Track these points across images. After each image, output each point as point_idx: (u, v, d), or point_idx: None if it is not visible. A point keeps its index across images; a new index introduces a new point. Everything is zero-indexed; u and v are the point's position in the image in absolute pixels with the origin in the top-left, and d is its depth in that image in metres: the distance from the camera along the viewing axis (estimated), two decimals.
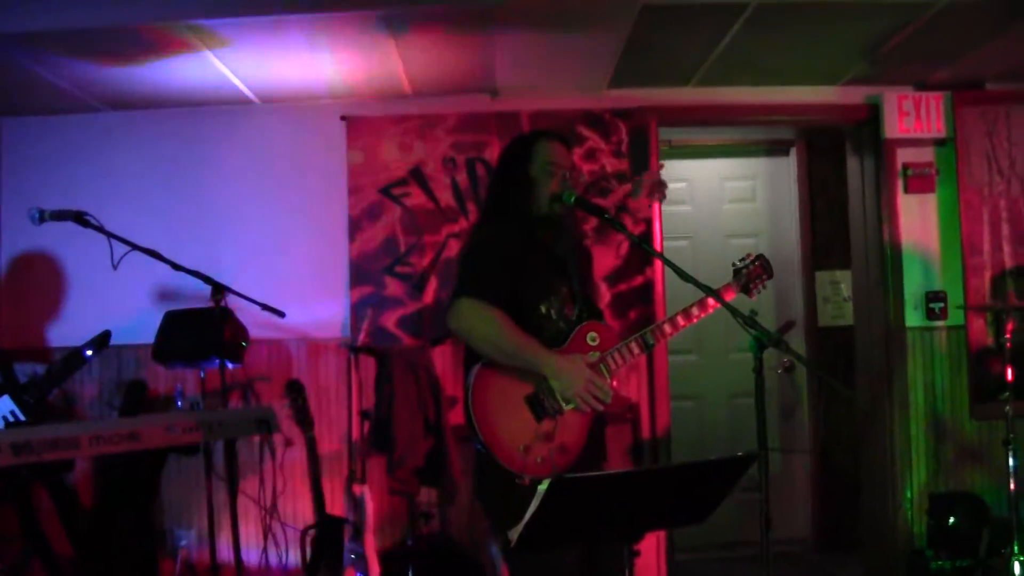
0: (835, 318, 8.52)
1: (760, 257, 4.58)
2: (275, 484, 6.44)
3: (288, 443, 6.49)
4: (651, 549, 6.34)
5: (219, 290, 5.54)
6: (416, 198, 6.87)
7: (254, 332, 6.37)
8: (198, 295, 5.91)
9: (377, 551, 5.90)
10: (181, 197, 6.90)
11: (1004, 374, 6.08)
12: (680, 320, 4.29)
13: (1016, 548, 5.97)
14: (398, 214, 6.86)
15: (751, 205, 8.88)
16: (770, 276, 4.60)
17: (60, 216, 5.01)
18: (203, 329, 5.93)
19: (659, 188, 4.82)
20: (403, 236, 6.85)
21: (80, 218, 5.01)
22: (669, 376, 7.10)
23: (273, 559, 6.54)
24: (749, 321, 3.91)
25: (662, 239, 7.07)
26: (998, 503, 6.70)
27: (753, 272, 4.54)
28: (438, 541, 6.61)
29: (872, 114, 7.20)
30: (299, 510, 6.61)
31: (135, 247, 5.18)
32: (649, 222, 6.92)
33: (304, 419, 5.89)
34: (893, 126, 7.08)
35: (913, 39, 6.16)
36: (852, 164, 7.63)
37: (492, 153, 6.76)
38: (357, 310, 6.77)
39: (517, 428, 4.01)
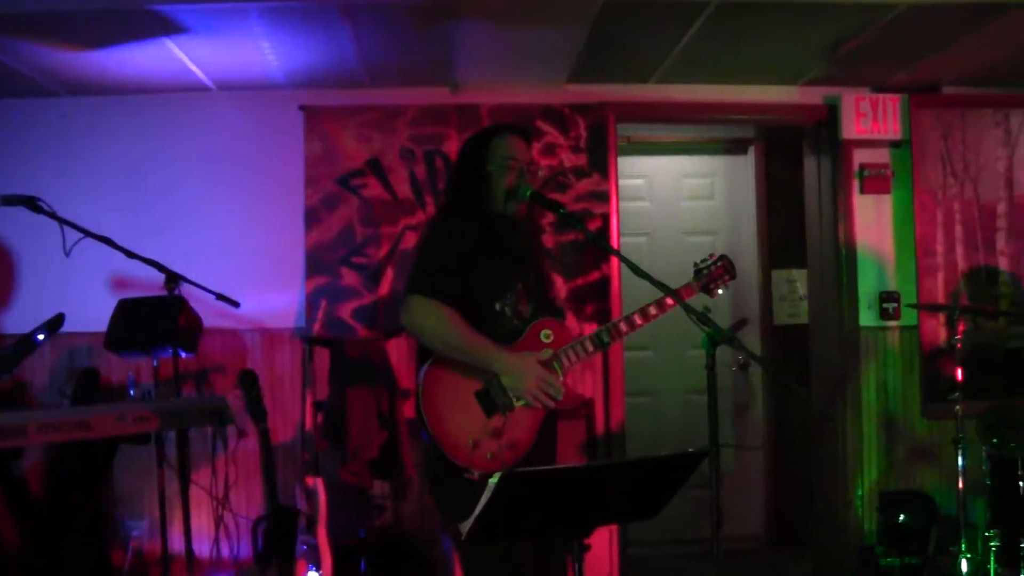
0: (791, 316, 8.56)
1: (723, 258, 4.55)
2: (227, 475, 6.40)
3: (241, 434, 6.46)
4: (604, 543, 6.35)
5: (173, 278, 5.52)
6: (374, 189, 6.85)
7: (209, 321, 6.33)
8: (152, 283, 5.88)
9: (330, 543, 5.88)
10: (137, 185, 6.85)
11: (955, 374, 6.12)
12: (637, 319, 4.28)
13: (964, 546, 6.01)
14: (355, 205, 6.84)
15: (709, 203, 8.91)
16: (732, 277, 4.57)
17: (11, 201, 4.97)
18: (157, 318, 5.89)
19: None
20: (360, 227, 6.83)
21: (32, 203, 4.97)
22: (625, 372, 7.12)
23: (225, 550, 6.51)
24: (702, 318, 3.91)
25: (619, 235, 7.08)
26: (947, 501, 6.77)
27: (715, 272, 4.51)
28: (391, 533, 6.61)
29: (830, 115, 7.25)
30: (252, 501, 6.59)
31: (88, 234, 5.15)
32: (606, 218, 6.93)
33: (257, 410, 5.85)
34: (850, 127, 7.12)
35: (872, 42, 6.20)
36: (809, 164, 7.67)
37: (451, 146, 6.75)
38: (312, 300, 6.75)
39: (467, 423, 4.01)
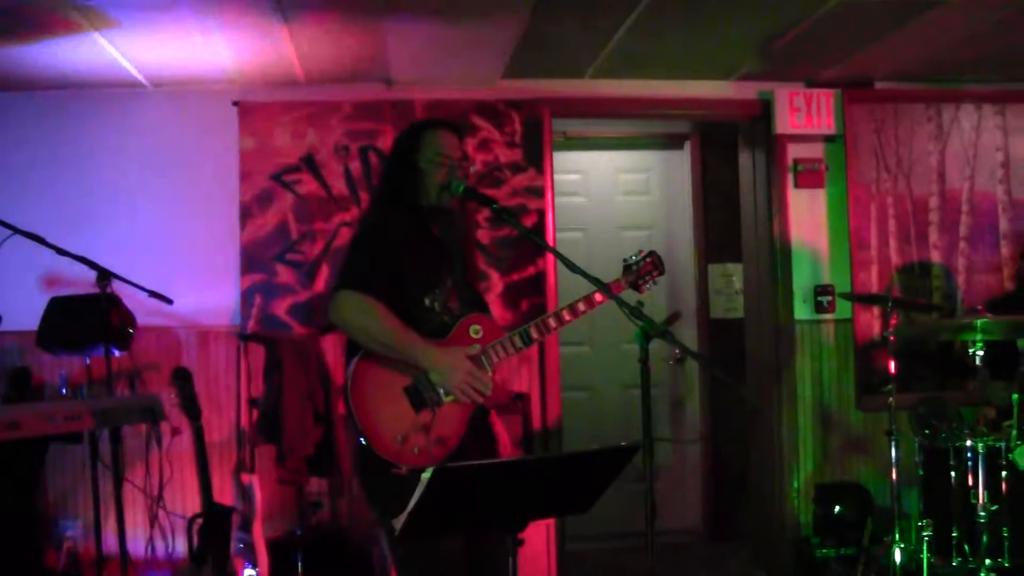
0: (727, 310, 8.61)
1: (652, 254, 4.55)
2: (162, 473, 6.34)
3: (175, 432, 6.40)
4: (541, 538, 6.35)
5: (105, 276, 5.47)
6: (308, 185, 6.82)
7: (142, 319, 6.28)
8: (85, 281, 5.82)
9: (266, 541, 5.86)
10: (69, 181, 6.77)
11: (888, 367, 6.18)
12: (565, 315, 4.28)
13: (897, 536, 6.07)
14: (290, 201, 6.80)
15: (645, 198, 8.95)
16: (661, 273, 4.57)
17: None
18: (89, 316, 5.82)
19: None
20: (295, 224, 6.79)
21: None
22: (561, 367, 7.14)
23: (160, 549, 6.46)
24: (635, 312, 3.93)
25: (555, 230, 7.08)
26: (882, 492, 6.83)
27: (644, 269, 4.52)
28: (328, 530, 6.59)
29: (764, 110, 7.30)
30: (187, 499, 6.53)
31: (17, 231, 5.09)
32: (542, 213, 6.94)
33: (191, 408, 5.79)
34: (784, 122, 7.17)
35: (805, 37, 6.25)
36: (744, 159, 7.72)
37: (386, 142, 6.72)
38: (247, 297, 6.71)
39: (395, 418, 4.00)
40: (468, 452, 4.06)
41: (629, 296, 4.11)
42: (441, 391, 4.06)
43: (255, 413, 6.27)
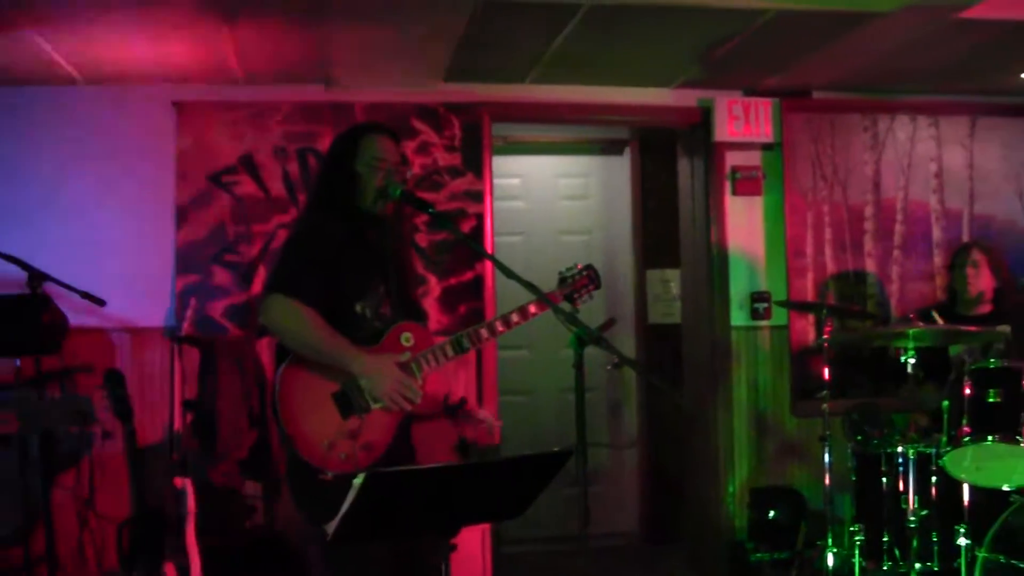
0: (665, 316, 8.64)
1: (589, 268, 4.53)
2: (93, 477, 6.29)
3: (107, 435, 6.33)
4: (476, 541, 6.36)
5: (37, 276, 5.41)
6: (246, 187, 6.77)
7: (75, 319, 6.21)
8: (15, 281, 5.75)
9: (199, 545, 5.80)
10: (1, 180, 6.68)
11: (822, 373, 6.24)
12: (498, 326, 4.27)
13: (830, 540, 6.13)
14: (227, 202, 6.75)
15: (585, 202, 8.97)
16: (597, 287, 4.55)
17: None
18: (19, 316, 5.76)
19: None
20: (232, 225, 6.74)
21: None
22: (499, 371, 7.14)
23: (90, 554, 6.39)
24: (570, 318, 3.94)
25: (493, 235, 7.09)
26: (816, 497, 6.88)
27: (579, 283, 4.50)
28: (262, 534, 6.54)
29: (704, 117, 7.33)
30: (118, 503, 6.46)
31: None
32: (481, 217, 6.94)
33: (123, 410, 5.73)
34: (723, 130, 7.21)
35: (744, 46, 6.29)
36: (683, 165, 7.77)
37: (325, 144, 6.59)
38: (183, 299, 6.64)
39: (322, 424, 3.99)
40: (395, 459, 4.06)
41: (562, 303, 4.12)
42: (370, 397, 4.05)
43: (189, 416, 6.21)
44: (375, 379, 4.03)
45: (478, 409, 4.50)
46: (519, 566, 7.77)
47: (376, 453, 4.05)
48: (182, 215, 6.72)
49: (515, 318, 4.28)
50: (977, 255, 6.49)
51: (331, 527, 3.14)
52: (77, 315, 6.21)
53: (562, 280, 4.49)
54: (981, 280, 6.46)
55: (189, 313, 6.44)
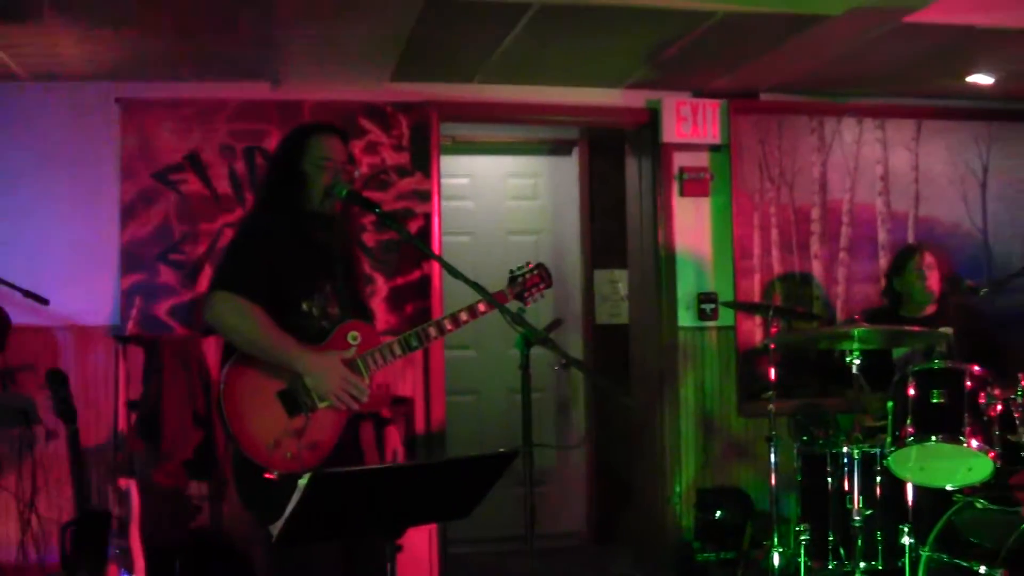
0: (612, 316, 8.66)
1: (539, 266, 4.52)
2: (35, 478, 6.22)
3: (50, 435, 6.27)
4: (423, 542, 6.34)
5: None
6: (192, 185, 6.72)
7: (17, 318, 6.15)
8: None
9: (143, 546, 5.75)
10: None
11: (768, 374, 6.27)
12: (447, 325, 4.26)
13: (776, 540, 6.16)
14: (173, 201, 6.69)
15: (533, 203, 8.97)
16: (548, 286, 4.54)
17: None
18: None
19: None
20: (178, 223, 6.69)
21: None
22: (447, 371, 7.12)
23: (32, 555, 6.32)
24: (516, 319, 3.94)
25: (441, 235, 7.08)
26: (762, 497, 6.91)
27: (530, 281, 4.49)
28: (208, 535, 6.50)
29: (652, 118, 7.36)
30: (61, 504, 6.40)
31: None
32: (428, 217, 6.93)
33: (66, 410, 5.68)
34: (671, 131, 7.24)
35: (691, 48, 6.32)
36: (631, 166, 7.79)
37: (271, 143, 6.63)
38: (128, 298, 6.58)
39: (268, 423, 3.97)
40: (342, 458, 4.04)
41: (512, 302, 4.11)
42: (316, 396, 4.03)
43: (134, 416, 6.17)
44: (321, 377, 4.01)
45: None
46: (466, 566, 7.76)
47: (322, 452, 4.03)
48: (127, 213, 6.66)
49: (464, 316, 4.27)
50: (930, 258, 6.54)
51: (276, 529, 3.12)
52: (20, 314, 6.16)
53: (512, 278, 4.48)
54: (933, 283, 6.50)
55: (134, 312, 6.39)
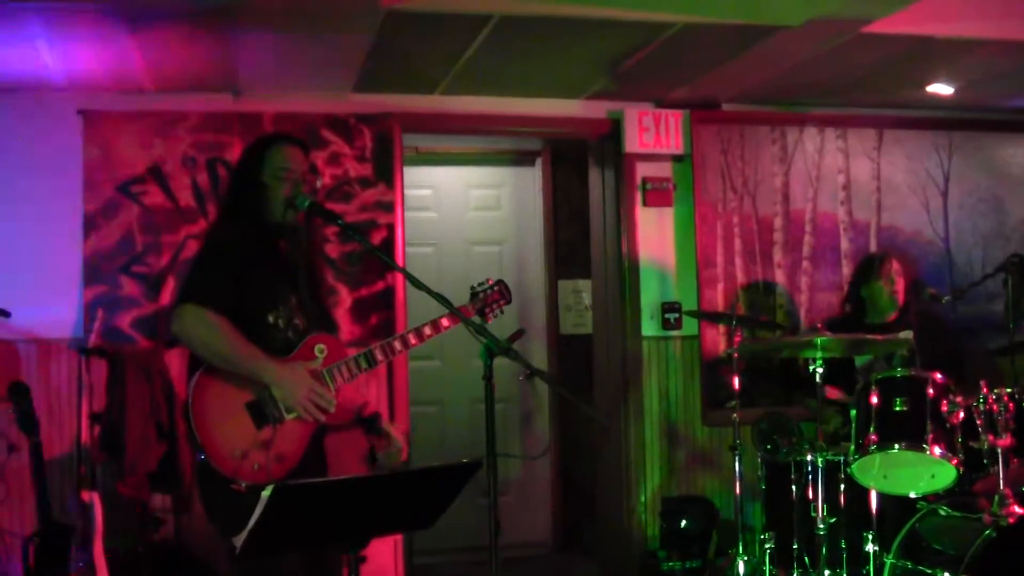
0: (576, 326, 8.67)
1: (499, 283, 4.58)
2: None
3: (12, 448, 6.22)
4: (388, 553, 6.35)
5: None
6: (155, 197, 6.68)
7: None
8: None
9: (107, 559, 5.73)
10: None
11: (732, 383, 6.29)
12: (411, 339, 4.30)
13: (741, 548, 6.19)
14: (136, 213, 6.66)
15: (496, 213, 8.97)
16: (507, 302, 4.61)
17: None
18: None
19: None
20: (140, 235, 6.65)
21: None
22: (411, 381, 7.12)
23: None
24: (479, 329, 3.96)
25: (404, 246, 7.07)
26: (727, 506, 6.95)
27: (490, 297, 4.55)
28: (171, 548, 6.46)
29: (614, 129, 7.38)
30: (24, 518, 6.35)
31: None
32: (392, 228, 6.92)
33: (28, 423, 5.65)
34: (633, 141, 7.26)
35: (652, 58, 6.34)
36: (594, 176, 7.80)
37: (234, 154, 6.59)
38: (90, 310, 6.54)
39: (235, 434, 3.97)
40: (308, 471, 4.05)
41: (474, 317, 4.13)
42: (283, 407, 4.03)
43: (97, 428, 6.13)
44: (288, 388, 4.02)
45: (392, 428, 4.48)
46: None
47: (289, 464, 4.04)
48: (90, 225, 6.62)
49: (428, 331, 4.32)
50: (897, 265, 6.59)
51: (239, 541, 3.12)
52: None
53: (474, 295, 4.53)
54: (900, 290, 6.56)
55: (97, 324, 6.34)
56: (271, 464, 3.98)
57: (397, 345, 4.28)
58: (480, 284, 4.56)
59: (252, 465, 3.95)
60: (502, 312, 4.60)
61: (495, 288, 4.56)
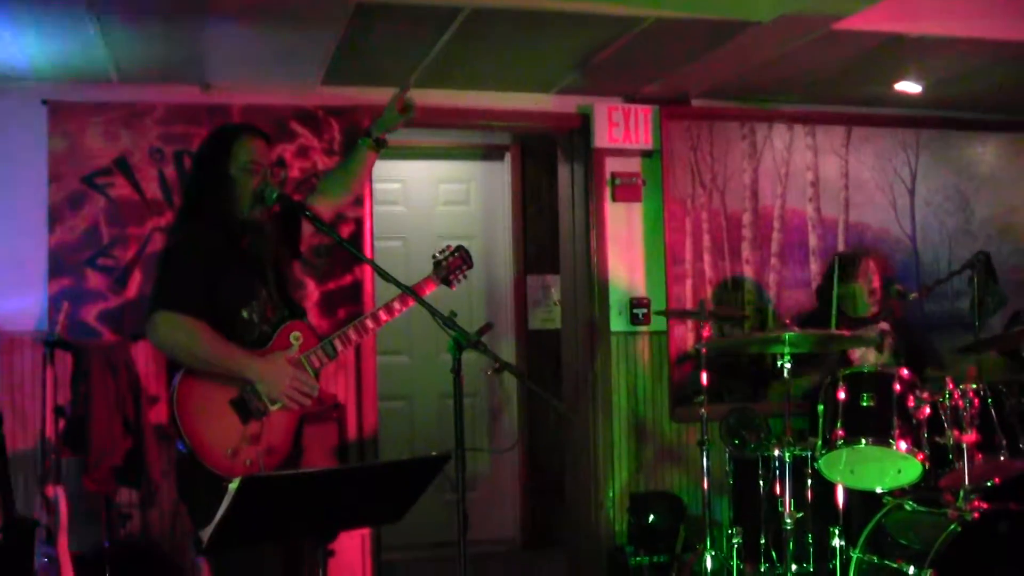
0: (545, 321, 8.68)
1: (460, 248, 4.65)
2: None
3: None
4: (356, 548, 6.32)
5: None
6: (121, 189, 6.63)
7: None
8: None
9: (71, 554, 5.69)
10: None
11: (700, 378, 6.30)
12: (382, 315, 4.32)
13: (708, 543, 6.20)
14: (102, 205, 6.60)
15: (465, 208, 8.97)
16: (470, 266, 4.67)
17: None
18: None
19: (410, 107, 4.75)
20: (106, 227, 6.59)
21: None
22: (378, 376, 7.09)
23: None
24: (448, 322, 3.95)
25: (373, 239, 7.05)
26: (694, 501, 6.95)
27: (452, 263, 4.60)
28: (137, 543, 6.43)
29: (583, 123, 7.36)
30: None
31: None
32: (360, 222, 6.89)
33: None
34: (603, 136, 7.25)
35: (622, 53, 6.34)
36: (563, 171, 7.78)
37: None
38: (55, 303, 6.48)
39: (224, 432, 3.98)
40: (298, 459, 4.08)
41: (443, 305, 4.12)
42: (267, 399, 4.03)
43: (62, 422, 6.08)
44: (271, 380, 4.05)
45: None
46: (399, 573, 7.75)
47: (279, 455, 4.09)
48: (55, 217, 6.55)
49: (397, 305, 4.37)
50: (872, 263, 6.64)
51: (206, 533, 3.10)
52: None
53: (436, 264, 4.61)
54: (877, 286, 6.61)
55: (62, 317, 6.29)
56: (262, 457, 4.00)
57: (369, 323, 4.33)
58: (441, 251, 4.63)
59: (244, 461, 3.97)
60: (465, 277, 4.68)
61: (456, 254, 4.63)
